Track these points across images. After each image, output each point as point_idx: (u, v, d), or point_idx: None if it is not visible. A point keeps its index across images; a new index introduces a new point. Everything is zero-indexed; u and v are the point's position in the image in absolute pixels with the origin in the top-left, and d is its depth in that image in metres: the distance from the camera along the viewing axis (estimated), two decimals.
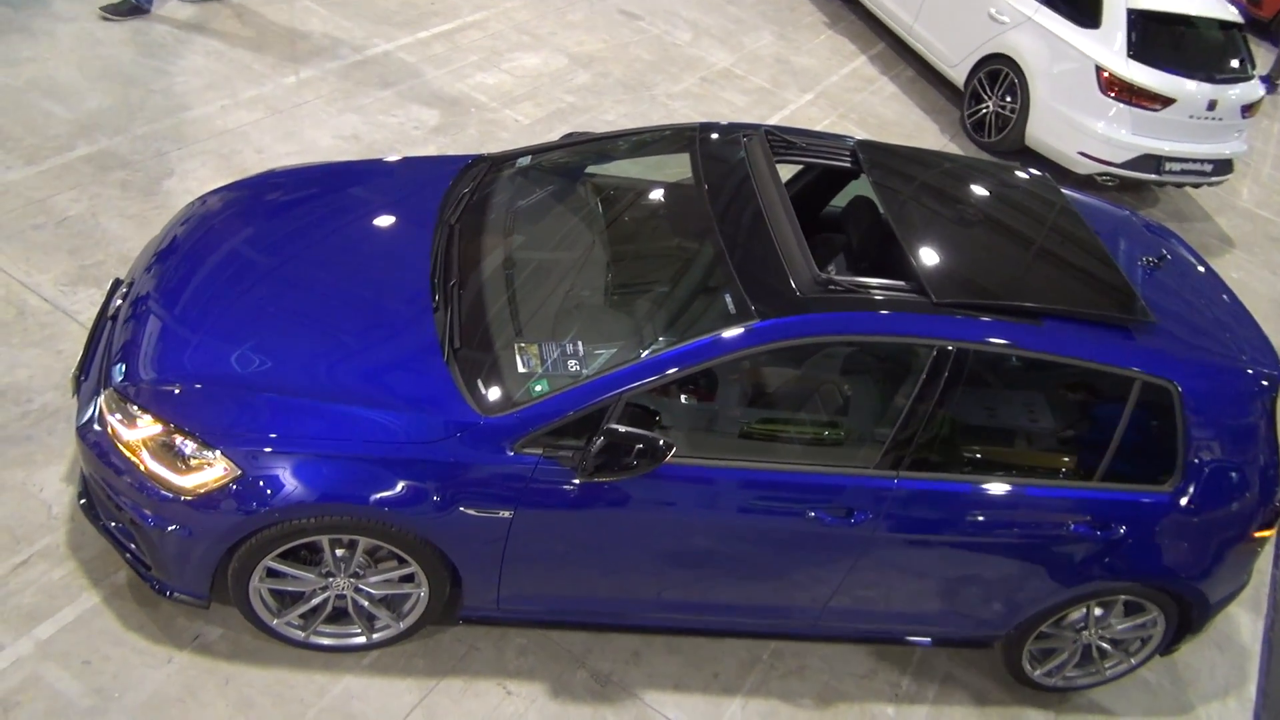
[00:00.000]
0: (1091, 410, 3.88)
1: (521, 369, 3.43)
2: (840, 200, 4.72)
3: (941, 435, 3.55)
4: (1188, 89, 7.52)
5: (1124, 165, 7.65)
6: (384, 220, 4.07)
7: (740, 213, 3.73)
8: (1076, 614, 4.04)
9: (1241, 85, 7.82)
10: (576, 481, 3.28)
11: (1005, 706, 4.25)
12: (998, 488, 3.64)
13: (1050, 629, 4.07)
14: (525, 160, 4.35)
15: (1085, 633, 4.12)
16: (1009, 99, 8.02)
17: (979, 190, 4.18)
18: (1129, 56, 7.48)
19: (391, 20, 7.32)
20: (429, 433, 3.25)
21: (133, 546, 3.42)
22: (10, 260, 4.66)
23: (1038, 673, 4.24)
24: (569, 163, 4.42)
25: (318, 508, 3.20)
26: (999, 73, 8.11)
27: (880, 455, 3.52)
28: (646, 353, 3.33)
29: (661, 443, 3.18)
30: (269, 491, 3.17)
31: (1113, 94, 7.49)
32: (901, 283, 3.52)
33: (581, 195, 4.28)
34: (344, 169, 4.43)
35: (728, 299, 3.39)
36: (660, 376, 3.27)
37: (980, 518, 3.66)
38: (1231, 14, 7.97)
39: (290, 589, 3.49)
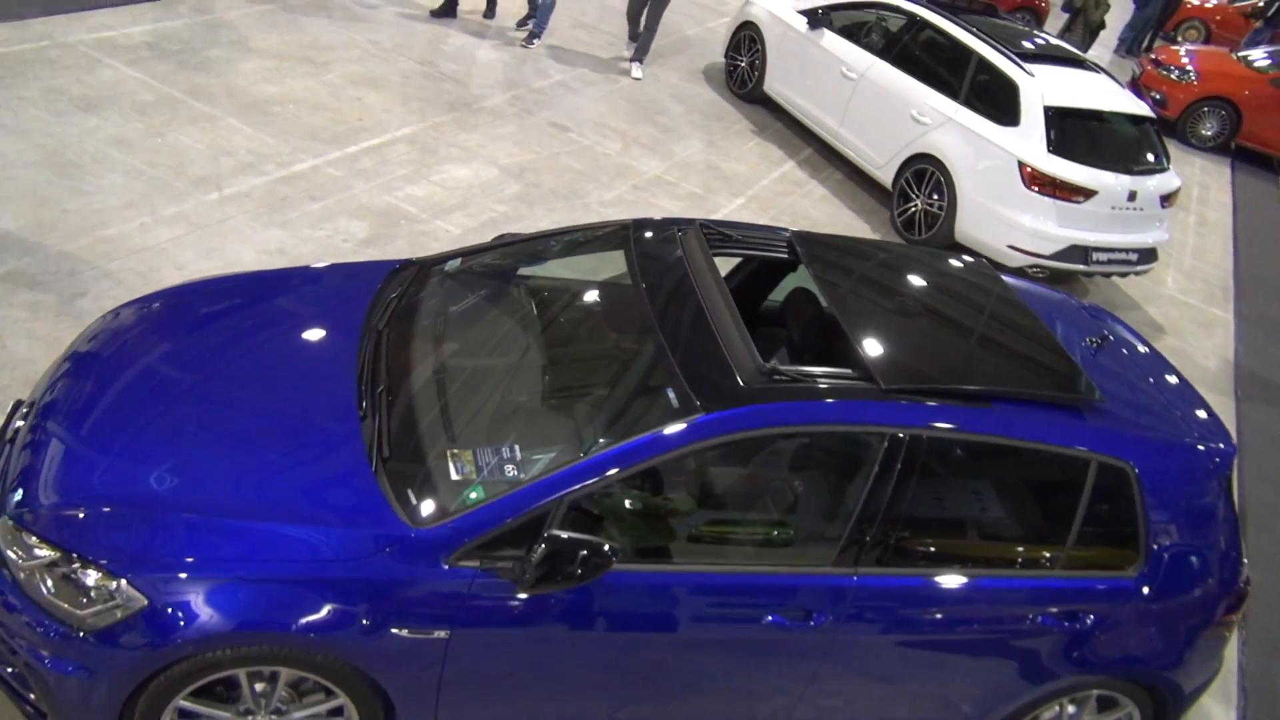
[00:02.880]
0: (1050, 496, 3.76)
1: (455, 476, 3.23)
2: (778, 294, 4.65)
3: (899, 528, 3.40)
4: (1107, 181, 7.71)
5: (1053, 257, 7.76)
6: (307, 329, 3.89)
7: (679, 307, 3.62)
8: (1048, 714, 3.85)
9: (1158, 176, 8.05)
10: (519, 595, 3.05)
11: None
12: (961, 580, 3.48)
13: None
14: (455, 263, 4.22)
15: None
16: (936, 196, 8.14)
17: (918, 277, 4.14)
18: (1049, 151, 7.66)
19: (318, 136, 7.25)
20: (356, 549, 3.02)
21: (29, 696, 3.10)
22: None
23: None
24: (501, 264, 4.30)
25: (233, 637, 2.93)
26: (925, 172, 8.25)
27: (837, 552, 3.35)
28: (587, 453, 3.15)
29: (606, 547, 2.99)
30: (179, 622, 2.89)
31: (1036, 188, 7.64)
32: (848, 370, 3.41)
33: (515, 297, 4.15)
34: (265, 277, 4.26)
35: (670, 395, 3.25)
36: (603, 477, 3.09)
37: (946, 613, 3.50)
38: (1142, 109, 8.26)
39: None
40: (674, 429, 3.12)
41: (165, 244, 5.68)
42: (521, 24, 10.05)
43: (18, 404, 3.62)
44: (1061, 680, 3.70)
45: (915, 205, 8.32)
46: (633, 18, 10.16)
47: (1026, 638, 3.60)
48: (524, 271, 4.28)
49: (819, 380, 3.32)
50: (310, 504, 3.13)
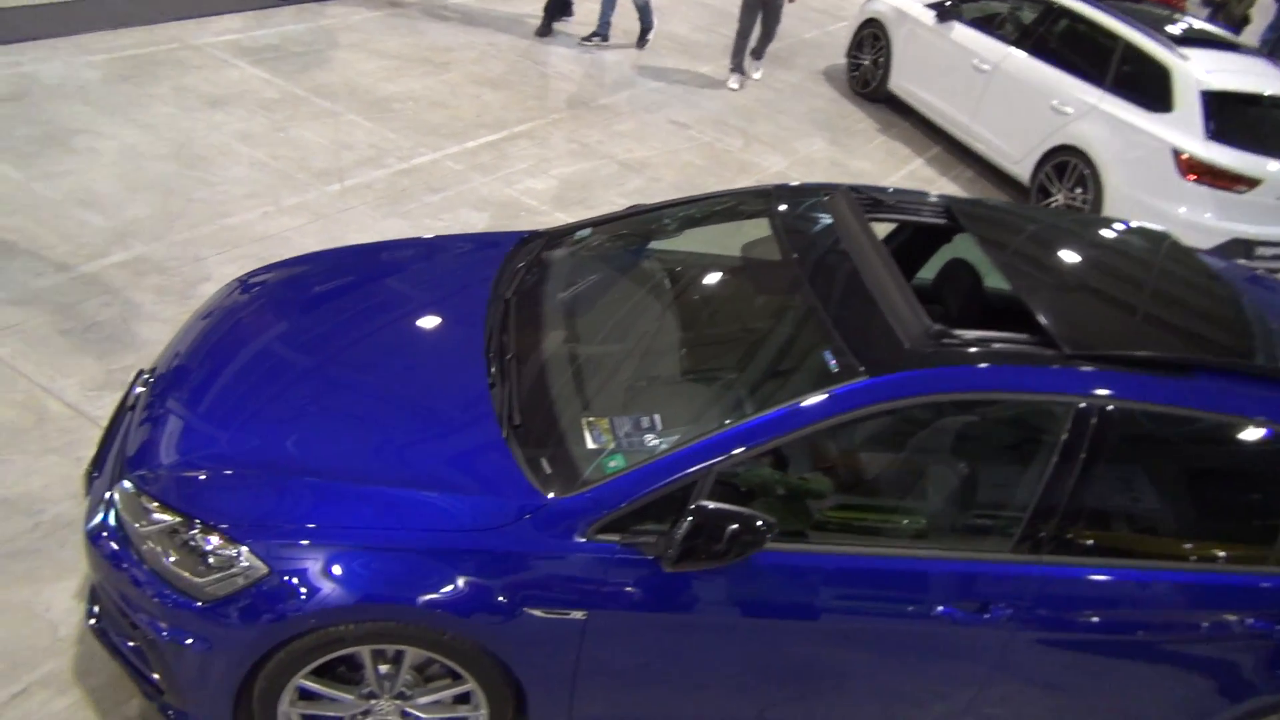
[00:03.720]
0: (1261, 481, 3.31)
1: (591, 445, 2.97)
2: (928, 272, 4.29)
3: (1086, 513, 3.01)
4: (1272, 169, 7.11)
5: (1211, 252, 7.17)
6: (432, 298, 3.70)
7: (833, 271, 3.32)
8: None
9: None
10: (662, 573, 2.76)
11: None
12: (1159, 575, 3.07)
13: None
14: (585, 233, 3.99)
15: None
16: (1079, 190, 7.65)
17: (1089, 240, 3.75)
18: (1207, 138, 7.11)
19: (438, 132, 7.16)
20: (488, 518, 2.78)
21: (146, 669, 2.93)
22: (34, 366, 4.33)
23: None
24: (633, 234, 4.05)
25: (357, 610, 2.71)
26: (1067, 165, 7.76)
27: (1016, 538, 2.98)
28: (740, 419, 2.85)
29: (760, 522, 2.69)
30: (301, 593, 2.69)
31: (1193, 178, 7.09)
32: (1023, 336, 3.05)
33: (648, 266, 3.90)
34: (387, 248, 4.10)
35: (829, 358, 2.94)
36: (755, 446, 2.79)
37: (1139, 613, 3.09)
38: None
39: (327, 714, 2.96)
40: (837, 394, 2.81)
41: (288, 231, 5.61)
42: (596, 34, 9.69)
43: (140, 373, 3.50)
44: (1264, 698, 3.24)
45: (1057, 199, 7.83)
46: (744, 31, 9.42)
47: (1229, 645, 3.16)
48: (657, 240, 4.03)
49: (993, 344, 2.97)
50: (438, 471, 2.92)
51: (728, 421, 2.87)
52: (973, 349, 2.93)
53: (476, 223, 6.18)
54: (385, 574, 2.73)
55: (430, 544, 2.74)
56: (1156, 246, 3.78)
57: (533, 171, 6.97)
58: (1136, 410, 3.01)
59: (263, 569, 2.70)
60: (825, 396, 2.81)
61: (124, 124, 6.27)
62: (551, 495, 2.80)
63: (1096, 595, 3.07)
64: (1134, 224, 3.98)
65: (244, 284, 3.84)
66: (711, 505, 2.68)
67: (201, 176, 5.96)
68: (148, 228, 5.39)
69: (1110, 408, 2.94)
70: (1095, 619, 3.08)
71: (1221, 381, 3.06)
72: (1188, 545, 3.18)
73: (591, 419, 3.06)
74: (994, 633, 3.00)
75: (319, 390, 3.21)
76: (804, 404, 2.81)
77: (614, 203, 6.84)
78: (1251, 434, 3.11)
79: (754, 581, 2.87)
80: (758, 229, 3.70)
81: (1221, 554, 3.18)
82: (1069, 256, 3.61)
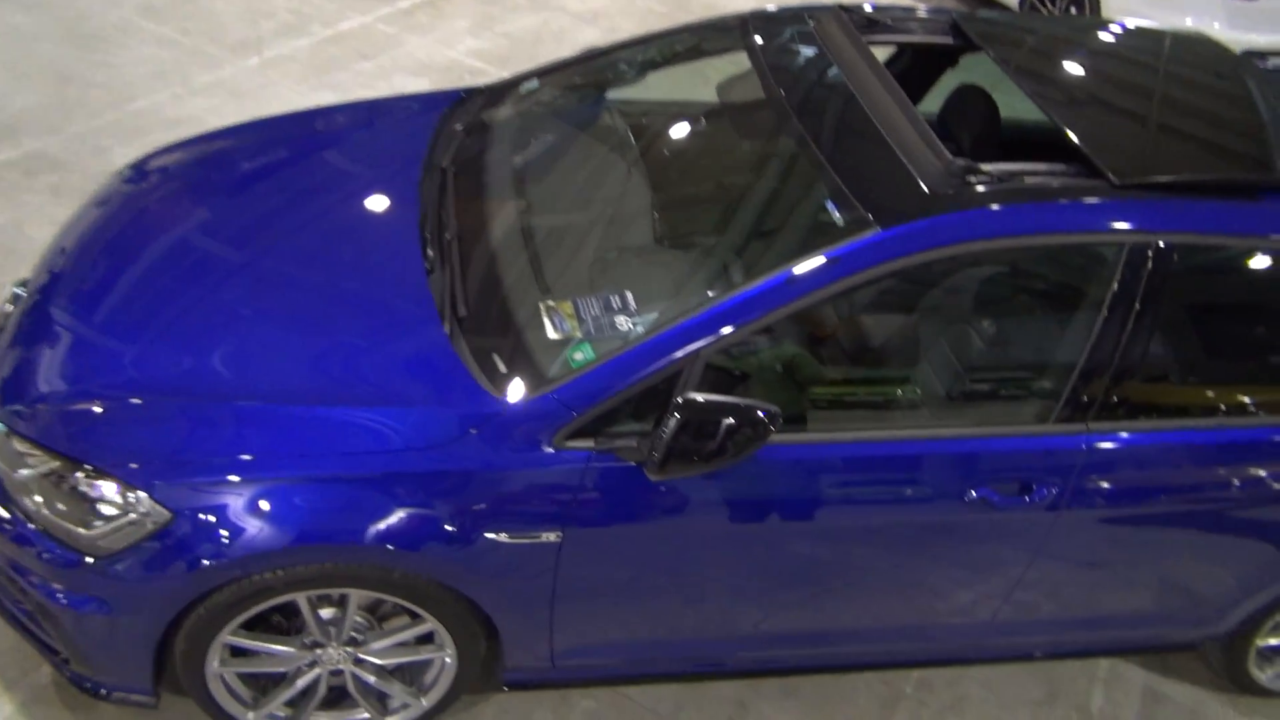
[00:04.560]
0: None
1: (553, 334, 2.47)
2: (932, 104, 3.73)
3: (1142, 368, 2.56)
4: None
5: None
6: (360, 171, 3.15)
7: (830, 107, 2.78)
8: None
9: None
10: (648, 481, 2.30)
11: None
12: (1228, 433, 2.65)
13: None
14: (532, 84, 3.40)
15: None
16: (1072, 9, 7.01)
17: (1130, 53, 3.20)
18: None
19: None
20: (435, 433, 2.30)
21: (46, 637, 2.48)
22: None
23: (1268, 675, 3.22)
24: (588, 83, 3.47)
25: (285, 554, 2.25)
26: None
27: (1060, 405, 2.53)
28: (730, 292, 2.35)
29: (761, 413, 2.21)
30: (216, 539, 2.22)
31: None
32: (1061, 167, 2.54)
33: (608, 119, 3.32)
34: (304, 118, 3.51)
35: (833, 210, 2.43)
36: (753, 321, 2.30)
37: (1204, 477, 2.68)
38: None
39: (267, 670, 2.54)
40: (845, 252, 2.31)
41: (202, 114, 4.96)
42: None
43: (14, 286, 2.94)
44: None
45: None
46: None
47: None
48: (617, 89, 3.45)
49: (1028, 179, 2.46)
50: (374, 381, 2.42)
51: (713, 295, 2.37)
52: (1007, 186, 2.41)
53: (415, 90, 5.53)
54: (316, 509, 2.26)
55: (367, 469, 2.27)
56: (1212, 57, 3.23)
57: (475, 30, 6.27)
58: (1199, 245, 2.53)
59: (165, 515, 2.22)
60: (829, 256, 2.31)
61: (4, 4, 5.53)
62: (508, 399, 2.32)
63: (1152, 463, 2.65)
64: (1178, 30, 3.41)
65: (143, 167, 3.27)
66: (701, 398, 2.20)
67: (101, 59, 5.26)
68: (40, 119, 4.75)
69: (1169, 244, 2.45)
70: (1150, 490, 2.68)
71: None
72: (1255, 397, 2.74)
73: (552, 303, 2.55)
74: (1038, 516, 2.58)
75: (240, 294, 2.67)
76: (805, 268, 2.31)
77: None
78: None
79: (756, 480, 2.43)
80: (734, 65, 3.13)
81: None
82: (1105, 72, 3.07)
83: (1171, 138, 2.80)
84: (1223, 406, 2.74)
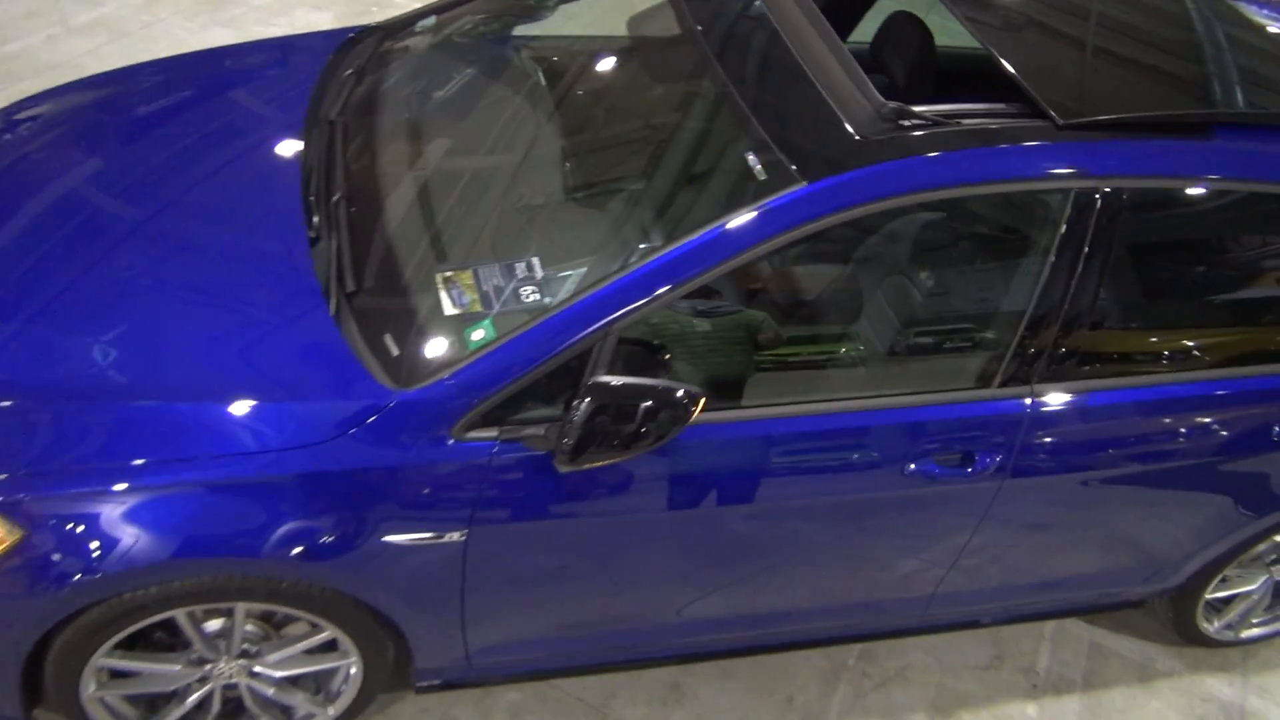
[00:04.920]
0: None
1: (451, 310, 2.23)
2: (862, 34, 3.49)
3: (1089, 322, 2.38)
4: None
5: None
6: (242, 126, 2.85)
7: (752, 46, 2.53)
8: (1264, 545, 2.94)
9: None
10: (558, 472, 2.09)
11: (1177, 677, 3.15)
12: (1176, 387, 2.50)
13: (1233, 570, 2.98)
14: (429, 22, 3.10)
15: (1277, 568, 3.04)
16: None
17: None
18: None
19: None
20: (319, 429, 2.06)
21: None
22: None
23: (1215, 626, 3.14)
24: (491, 22, 3.17)
25: (152, 571, 2.01)
26: None
27: (1003, 366, 2.35)
28: (639, 260, 2.13)
29: (680, 393, 2.01)
30: (73, 559, 1.97)
31: None
32: (1001, 106, 2.33)
33: (512, 60, 3.05)
34: (183, 62, 3.19)
35: (754, 163, 2.20)
36: (667, 289, 2.08)
37: (1153, 434, 2.54)
38: None
39: (153, 690, 2.32)
40: (765, 210, 2.08)
41: (82, 57, 4.58)
42: None
43: None
44: None
45: None
46: None
47: (1259, 455, 2.64)
48: (521, 26, 3.16)
49: (965, 121, 2.25)
50: (253, 372, 2.17)
51: (627, 263, 2.15)
52: (943, 130, 2.20)
53: (320, 23, 5.17)
54: (188, 519, 2.02)
55: (243, 473, 2.03)
56: None
57: None
58: (1148, 188, 2.34)
59: (16, 532, 1.98)
60: (753, 215, 2.09)
61: None
62: (400, 388, 2.08)
63: (1099, 422, 2.49)
64: None
65: (11, 116, 2.94)
66: (616, 381, 1.99)
67: None
68: None
69: (1117, 187, 2.26)
70: (1098, 449, 2.53)
71: (1249, 139, 2.40)
72: (1216, 348, 2.59)
73: (450, 273, 2.30)
74: (982, 486, 2.42)
75: (112, 271, 2.37)
76: (725, 228, 2.09)
77: None
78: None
79: (678, 462, 2.23)
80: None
81: (1257, 354, 2.60)
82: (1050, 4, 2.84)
83: (1113, 66, 2.60)
84: (1170, 360, 2.59)
